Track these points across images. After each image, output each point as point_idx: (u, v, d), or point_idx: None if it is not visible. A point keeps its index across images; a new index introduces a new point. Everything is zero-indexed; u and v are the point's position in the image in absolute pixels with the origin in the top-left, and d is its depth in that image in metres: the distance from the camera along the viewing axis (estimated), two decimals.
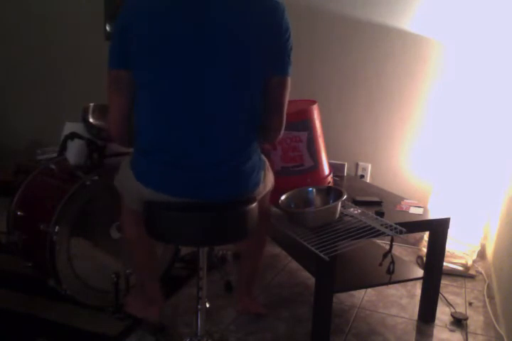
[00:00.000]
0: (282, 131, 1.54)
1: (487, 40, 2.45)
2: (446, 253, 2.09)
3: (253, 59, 1.36)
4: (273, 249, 2.72)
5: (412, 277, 1.97)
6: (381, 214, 1.86)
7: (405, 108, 2.71)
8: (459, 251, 2.44)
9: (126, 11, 1.37)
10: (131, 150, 1.56)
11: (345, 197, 1.77)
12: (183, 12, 1.32)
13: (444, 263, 2.07)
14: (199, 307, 1.63)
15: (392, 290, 2.31)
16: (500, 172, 2.50)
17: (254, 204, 1.50)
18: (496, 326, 1.97)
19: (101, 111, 2.01)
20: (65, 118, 2.17)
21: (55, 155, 2.27)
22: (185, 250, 2.47)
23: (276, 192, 1.78)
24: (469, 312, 2.12)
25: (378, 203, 2.05)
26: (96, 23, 3.28)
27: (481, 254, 2.62)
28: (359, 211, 1.89)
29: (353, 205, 1.96)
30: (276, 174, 1.76)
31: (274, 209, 1.91)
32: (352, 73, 2.77)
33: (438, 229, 1.92)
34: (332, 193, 1.86)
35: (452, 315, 2.05)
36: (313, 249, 1.64)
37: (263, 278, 2.38)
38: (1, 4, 3.54)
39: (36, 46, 3.53)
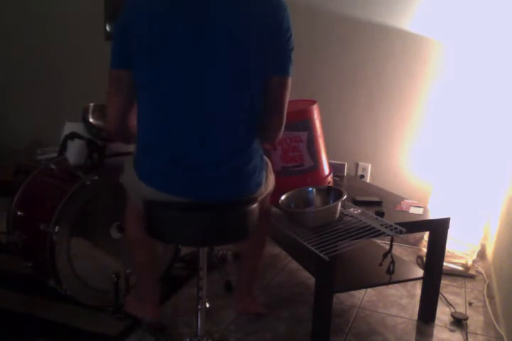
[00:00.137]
0: (282, 131, 1.54)
1: (487, 40, 2.45)
2: (446, 253, 2.09)
3: (253, 59, 1.36)
4: (273, 249, 2.72)
5: (412, 277, 1.97)
6: (381, 214, 1.86)
7: (405, 108, 2.71)
8: (459, 251, 2.44)
9: (126, 11, 1.37)
10: (131, 149, 1.56)
11: (345, 197, 1.77)
12: (183, 12, 1.32)
13: (444, 263, 2.07)
14: (199, 307, 1.63)
15: (392, 290, 2.31)
16: (500, 172, 2.50)
17: (255, 205, 1.50)
18: (496, 326, 1.97)
19: (101, 111, 2.01)
20: (65, 118, 2.17)
21: (55, 155, 2.27)
22: (185, 250, 2.47)
23: (276, 192, 1.78)
24: (469, 312, 2.12)
25: (378, 203, 2.05)
26: (96, 23, 3.28)
27: (481, 254, 2.62)
28: (359, 211, 1.89)
29: (353, 205, 1.96)
30: (277, 174, 1.76)
31: (274, 209, 1.91)
32: (352, 73, 2.77)
33: (438, 229, 1.92)
34: (332, 193, 1.86)
35: (452, 315, 2.05)
36: (313, 249, 1.64)
37: (263, 278, 2.38)
38: (1, 4, 3.54)
39: (36, 46, 3.53)
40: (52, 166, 2.10)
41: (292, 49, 1.42)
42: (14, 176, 3.18)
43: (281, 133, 1.54)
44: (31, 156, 3.19)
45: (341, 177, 2.59)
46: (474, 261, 2.51)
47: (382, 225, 1.75)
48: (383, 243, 2.41)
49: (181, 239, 1.48)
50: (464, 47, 2.51)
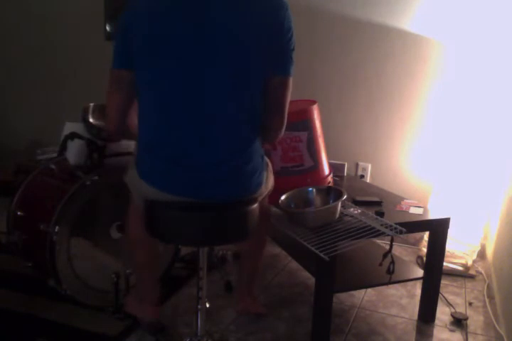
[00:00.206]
0: (283, 131, 1.53)
1: (487, 40, 2.45)
2: (446, 253, 2.09)
3: (253, 59, 1.36)
4: (273, 249, 2.72)
5: (412, 277, 1.97)
6: (381, 214, 1.86)
7: (405, 108, 2.71)
8: (459, 251, 2.44)
9: (127, 11, 1.38)
10: (131, 149, 1.56)
11: (345, 197, 1.77)
12: (183, 12, 1.32)
13: (444, 263, 2.07)
14: (199, 307, 1.63)
15: (392, 290, 2.31)
16: (500, 172, 2.50)
17: (255, 205, 1.50)
18: (496, 326, 1.97)
19: (101, 111, 2.01)
20: (65, 118, 2.17)
21: (55, 155, 2.27)
22: (185, 250, 2.46)
23: (276, 192, 1.78)
24: (469, 312, 2.12)
25: (378, 203, 2.05)
26: (96, 23, 3.28)
27: (481, 254, 2.62)
28: (359, 211, 1.89)
29: (353, 205, 1.96)
30: (276, 174, 1.76)
31: (274, 209, 1.91)
32: (352, 73, 2.77)
33: (438, 229, 1.92)
34: (332, 193, 1.86)
35: (452, 315, 2.05)
36: (313, 249, 1.64)
37: (263, 278, 2.38)
38: (1, 4, 3.54)
39: (36, 46, 3.53)
40: (52, 166, 2.10)
41: (293, 49, 1.42)
42: (14, 176, 3.18)
43: (282, 133, 1.54)
44: (31, 156, 3.19)
45: (341, 177, 2.59)
46: (474, 261, 2.51)
47: (382, 225, 1.75)
48: (383, 243, 2.41)
49: (181, 239, 1.49)
50: (464, 47, 2.51)
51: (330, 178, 2.13)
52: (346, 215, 1.84)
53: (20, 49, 3.58)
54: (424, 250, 2.26)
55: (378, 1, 2.62)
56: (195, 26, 1.31)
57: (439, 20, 2.53)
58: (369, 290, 2.30)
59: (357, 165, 2.87)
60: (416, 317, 2.07)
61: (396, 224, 1.75)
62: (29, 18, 3.49)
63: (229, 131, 1.41)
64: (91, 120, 1.99)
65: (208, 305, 1.70)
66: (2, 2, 3.53)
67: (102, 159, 2.01)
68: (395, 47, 2.65)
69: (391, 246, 1.76)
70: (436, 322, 2.04)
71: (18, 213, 2.03)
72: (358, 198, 2.08)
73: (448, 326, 2.01)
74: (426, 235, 2.40)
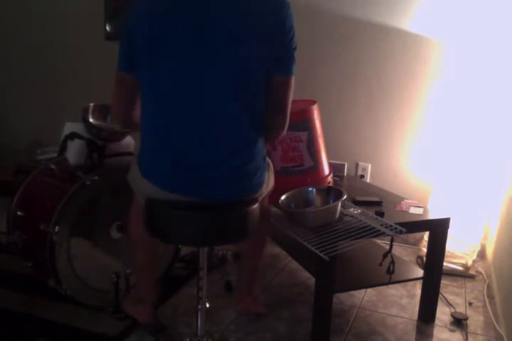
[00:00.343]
0: (285, 130, 1.53)
1: (487, 40, 2.45)
2: (446, 253, 2.09)
3: (254, 59, 1.36)
4: (273, 249, 2.72)
5: (412, 277, 1.97)
6: (381, 214, 1.86)
7: (405, 108, 2.71)
8: (459, 251, 2.44)
9: (130, 13, 1.38)
10: (131, 149, 1.56)
11: (345, 197, 1.77)
12: (183, 12, 1.32)
13: (444, 263, 2.07)
14: (199, 307, 1.63)
15: (392, 290, 2.31)
16: (500, 172, 2.50)
17: (256, 205, 1.50)
18: (496, 326, 1.97)
19: (101, 111, 2.01)
20: (65, 118, 2.17)
21: (55, 155, 2.27)
22: (185, 250, 2.47)
23: (276, 192, 1.78)
24: (469, 312, 2.12)
25: (378, 203, 2.05)
26: (96, 23, 3.28)
27: (481, 254, 2.62)
28: (359, 211, 1.89)
29: (353, 205, 1.96)
30: (276, 174, 1.76)
31: (274, 209, 1.91)
32: (352, 73, 2.77)
33: (438, 229, 1.92)
34: (332, 193, 1.86)
35: (452, 315, 2.05)
36: (313, 249, 1.64)
37: (263, 278, 2.38)
38: (1, 4, 3.54)
39: (36, 46, 3.53)
40: (52, 166, 2.10)
41: (295, 48, 1.42)
42: (14, 176, 3.18)
43: (285, 132, 1.54)
44: (31, 156, 3.20)
45: (341, 177, 2.59)
46: (474, 261, 2.51)
47: (382, 225, 1.75)
48: (383, 243, 2.41)
49: (181, 239, 1.48)
50: (464, 47, 2.51)
51: (330, 178, 2.13)
52: (346, 215, 1.84)
53: (20, 49, 3.58)
54: (424, 250, 2.26)
55: (378, 1, 2.62)
56: (195, 26, 1.31)
57: (439, 20, 2.53)
58: (369, 290, 2.30)
59: (357, 165, 2.87)
60: (416, 317, 2.07)
61: (396, 224, 1.75)
62: (29, 18, 3.49)
63: (229, 131, 1.40)
64: (91, 120, 1.99)
65: (208, 305, 1.70)
66: (2, 2, 3.53)
67: (102, 159, 2.01)
68: (395, 47, 2.65)
69: (391, 246, 1.76)
70: (436, 322, 2.04)
71: (18, 213, 2.03)
72: (358, 198, 2.08)
73: (448, 326, 2.01)
74: (426, 235, 2.40)
